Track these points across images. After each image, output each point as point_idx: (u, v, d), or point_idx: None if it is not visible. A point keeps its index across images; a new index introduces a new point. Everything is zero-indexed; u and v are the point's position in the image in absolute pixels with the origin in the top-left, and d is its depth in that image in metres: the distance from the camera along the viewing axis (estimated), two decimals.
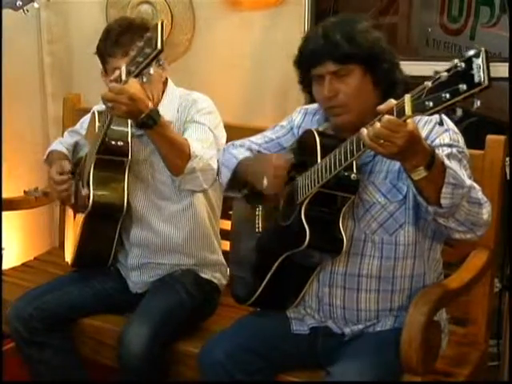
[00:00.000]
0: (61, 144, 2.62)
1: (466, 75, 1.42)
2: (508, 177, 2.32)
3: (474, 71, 1.41)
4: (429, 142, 1.85)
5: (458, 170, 1.75)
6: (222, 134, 2.37)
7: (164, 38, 1.86)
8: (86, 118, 2.55)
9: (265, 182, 1.94)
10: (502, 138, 2.19)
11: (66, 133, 2.71)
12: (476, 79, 1.41)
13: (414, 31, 3.67)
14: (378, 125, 1.59)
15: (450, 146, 1.85)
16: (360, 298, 1.96)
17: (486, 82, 1.40)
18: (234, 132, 2.39)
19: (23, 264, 2.92)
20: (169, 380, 2.27)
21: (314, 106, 2.10)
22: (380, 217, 1.92)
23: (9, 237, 3.03)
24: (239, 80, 2.97)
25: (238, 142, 2.22)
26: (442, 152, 1.82)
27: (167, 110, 2.34)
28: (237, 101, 2.95)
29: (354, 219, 1.93)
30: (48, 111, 3.18)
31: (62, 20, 3.09)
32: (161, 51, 1.88)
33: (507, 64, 2.56)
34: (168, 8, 2.96)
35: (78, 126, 2.66)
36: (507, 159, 2.25)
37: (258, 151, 2.15)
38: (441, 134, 1.86)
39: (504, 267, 2.52)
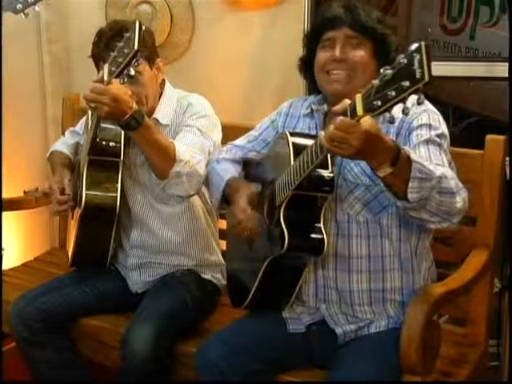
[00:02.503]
0: (64, 145, 2.62)
1: (408, 71, 1.41)
2: (508, 177, 2.31)
3: (415, 66, 1.40)
4: (406, 124, 1.86)
5: (431, 159, 1.74)
6: (218, 137, 2.36)
7: (140, 38, 1.87)
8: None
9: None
10: (502, 138, 2.18)
11: (67, 132, 2.71)
12: (417, 75, 1.39)
13: (414, 31, 3.66)
14: (331, 127, 1.57)
15: (428, 126, 1.84)
16: (352, 279, 1.96)
17: (427, 77, 1.38)
18: (234, 132, 2.38)
19: (23, 264, 2.92)
20: (169, 380, 2.27)
21: (304, 96, 2.15)
22: (364, 198, 1.92)
23: (9, 237, 3.03)
24: (239, 80, 2.97)
25: (222, 154, 2.23)
26: (420, 137, 1.82)
27: (164, 112, 2.34)
28: (236, 101, 2.95)
29: (336, 200, 1.93)
30: (47, 111, 3.17)
31: (62, 20, 3.09)
32: (137, 51, 1.88)
33: (507, 64, 2.56)
34: (167, 8, 2.96)
35: (78, 127, 2.66)
36: (507, 159, 2.24)
37: (244, 158, 2.16)
38: (418, 114, 1.85)
39: (504, 267, 2.52)
